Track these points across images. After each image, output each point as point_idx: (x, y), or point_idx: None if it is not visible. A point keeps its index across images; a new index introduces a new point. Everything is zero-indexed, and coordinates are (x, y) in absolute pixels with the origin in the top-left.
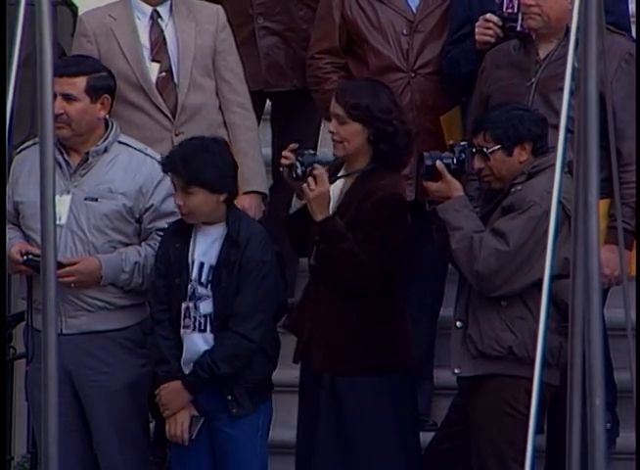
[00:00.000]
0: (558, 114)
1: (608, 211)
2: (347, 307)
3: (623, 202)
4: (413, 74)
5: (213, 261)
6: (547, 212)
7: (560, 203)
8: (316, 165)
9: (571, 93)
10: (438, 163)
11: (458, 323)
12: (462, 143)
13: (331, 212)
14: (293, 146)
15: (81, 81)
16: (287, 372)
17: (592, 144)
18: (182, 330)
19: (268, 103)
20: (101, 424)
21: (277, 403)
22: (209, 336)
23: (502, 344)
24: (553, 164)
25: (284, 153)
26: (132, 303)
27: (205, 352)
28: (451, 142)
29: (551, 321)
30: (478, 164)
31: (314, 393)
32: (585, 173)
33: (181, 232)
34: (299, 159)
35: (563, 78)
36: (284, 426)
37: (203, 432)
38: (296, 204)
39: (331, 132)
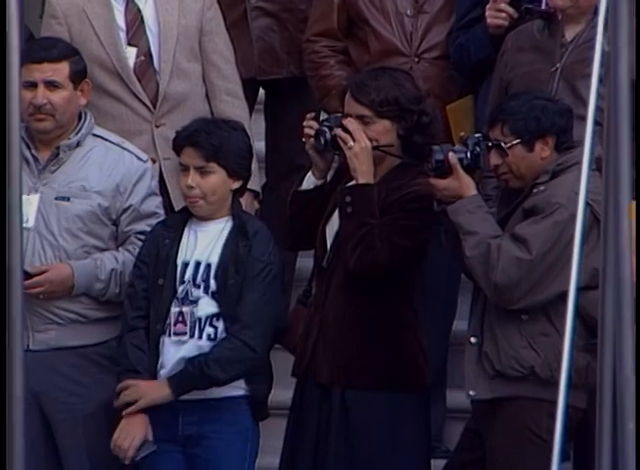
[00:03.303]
0: (585, 103)
1: None
2: (359, 315)
3: None
4: (417, 59)
5: (214, 259)
6: (574, 216)
7: (587, 205)
8: (348, 119)
9: (600, 80)
10: (451, 155)
11: (473, 339)
12: (476, 135)
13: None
14: (311, 115)
15: (65, 67)
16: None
17: (623, 138)
18: (168, 338)
19: (261, 92)
20: (72, 451)
21: (265, 428)
22: (206, 344)
23: (523, 363)
24: (580, 161)
25: (306, 123)
26: (108, 315)
27: (200, 354)
28: (463, 134)
29: (578, 338)
30: (494, 159)
31: (319, 410)
32: (616, 171)
33: (171, 228)
34: (326, 124)
35: (591, 64)
36: (274, 454)
37: (180, 459)
38: (309, 181)
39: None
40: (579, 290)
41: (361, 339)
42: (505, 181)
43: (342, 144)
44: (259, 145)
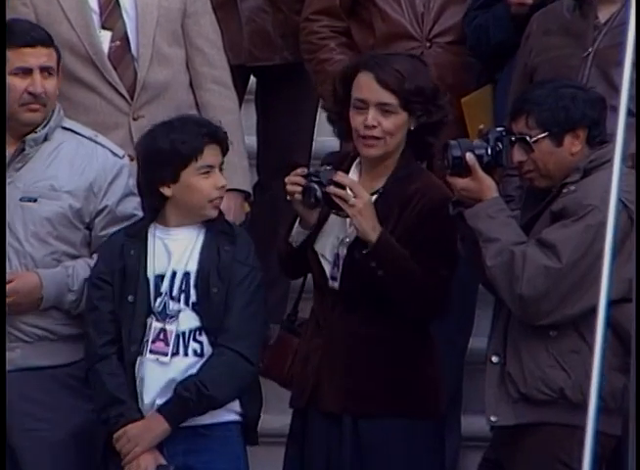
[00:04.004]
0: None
1: None
2: (372, 338)
3: None
4: (428, 44)
5: (192, 268)
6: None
7: (621, 205)
8: (339, 173)
9: (635, 66)
10: (469, 154)
11: (494, 358)
12: (498, 129)
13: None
14: (301, 171)
15: (54, 52)
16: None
17: None
18: (147, 358)
19: (252, 80)
20: None
21: (253, 456)
22: (194, 360)
23: (551, 385)
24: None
25: (291, 178)
26: (80, 331)
27: (190, 375)
28: (482, 127)
29: (612, 356)
30: (518, 156)
31: (328, 440)
32: None
33: (134, 238)
34: (315, 179)
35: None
36: None
37: None
38: (299, 234)
39: (368, 127)
40: (612, 303)
41: (375, 363)
42: (530, 180)
43: (341, 203)
44: (250, 140)
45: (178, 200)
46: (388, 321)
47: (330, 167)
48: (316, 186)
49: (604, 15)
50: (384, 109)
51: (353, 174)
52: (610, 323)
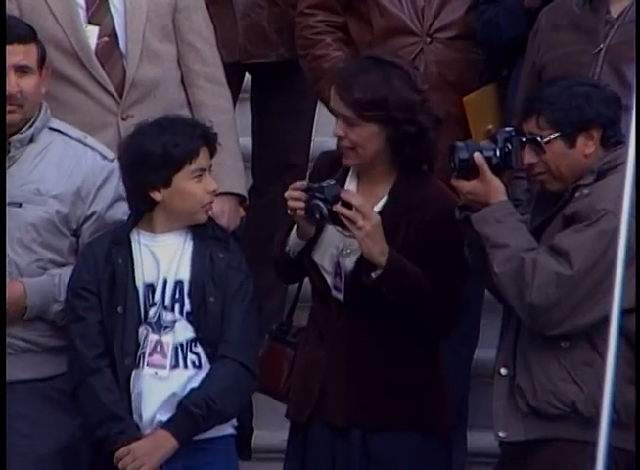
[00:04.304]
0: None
1: None
2: (381, 350)
3: None
4: (429, 39)
5: (185, 276)
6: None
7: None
8: (347, 192)
9: None
10: (477, 155)
11: (503, 370)
12: (507, 129)
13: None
14: (301, 184)
15: (33, 49)
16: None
17: None
18: (144, 372)
19: (247, 78)
20: None
21: None
22: (193, 373)
23: (562, 398)
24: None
25: (291, 193)
26: (66, 343)
27: (192, 389)
28: (491, 128)
29: (626, 367)
30: (529, 157)
31: (334, 455)
32: None
33: (120, 246)
34: (319, 195)
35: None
36: None
37: None
38: (296, 243)
39: (338, 137)
40: (626, 312)
41: (383, 375)
42: (541, 183)
43: (349, 225)
44: (245, 141)
45: (169, 205)
46: (395, 332)
47: (333, 182)
48: (321, 203)
49: (616, 9)
50: (347, 121)
51: (351, 183)
52: (623, 333)
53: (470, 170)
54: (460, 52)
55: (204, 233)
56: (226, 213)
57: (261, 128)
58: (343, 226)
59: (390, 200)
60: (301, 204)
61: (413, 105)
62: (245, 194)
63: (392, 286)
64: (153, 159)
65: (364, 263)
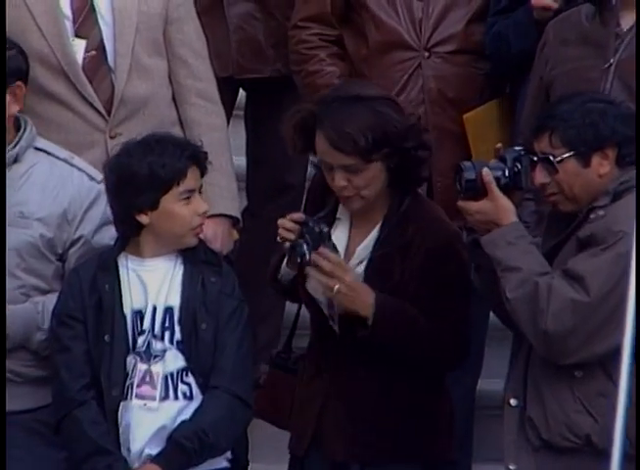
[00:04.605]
0: None
1: None
2: (382, 383)
3: None
4: (427, 54)
5: (175, 302)
6: None
7: None
8: (320, 252)
9: None
10: (486, 171)
11: (513, 401)
12: (517, 148)
13: (362, 277)
14: (298, 217)
15: None
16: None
17: None
18: (132, 404)
19: (241, 94)
20: None
21: None
22: (184, 404)
23: (576, 430)
24: None
25: (285, 223)
26: (50, 373)
27: (184, 421)
28: (499, 146)
29: None
30: (541, 177)
31: None
32: None
33: (107, 271)
34: (307, 236)
35: None
36: None
37: None
38: (285, 270)
39: (338, 188)
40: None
41: (383, 408)
42: (554, 204)
43: (324, 289)
44: (239, 160)
45: (156, 228)
46: (396, 366)
47: (325, 228)
48: (305, 247)
49: (626, 22)
50: (349, 169)
51: (343, 217)
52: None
53: (477, 191)
54: (460, 67)
55: (195, 257)
56: (219, 237)
57: (256, 147)
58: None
59: (381, 241)
60: (292, 236)
61: (413, 129)
62: (239, 216)
63: (386, 336)
64: (139, 180)
65: (352, 318)
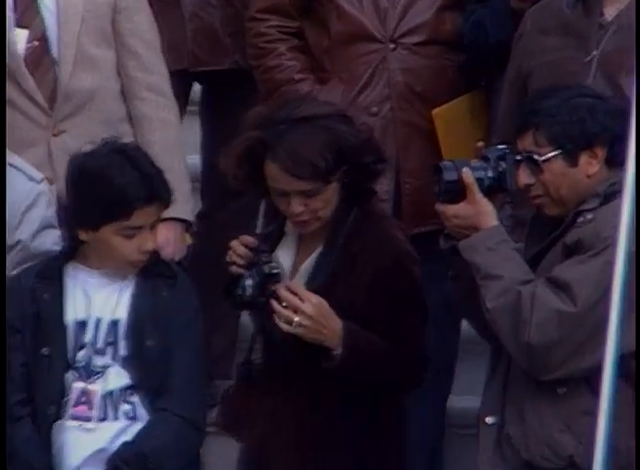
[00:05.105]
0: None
1: None
2: (328, 398)
3: None
4: (393, 45)
5: (122, 315)
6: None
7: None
8: (279, 290)
9: None
10: (466, 171)
11: (489, 419)
12: (500, 146)
13: None
14: (250, 241)
15: None
16: None
17: None
18: (67, 424)
19: (196, 88)
20: None
21: None
22: (125, 424)
23: (558, 451)
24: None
25: (235, 246)
26: None
27: (125, 443)
28: (481, 144)
29: (631, 418)
30: (525, 178)
31: None
32: None
33: (48, 280)
34: (255, 267)
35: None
36: None
37: None
38: (247, 285)
39: (295, 214)
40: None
41: (334, 431)
42: (539, 207)
43: (282, 325)
44: (193, 159)
45: (94, 248)
46: (349, 392)
47: (275, 270)
48: (248, 283)
49: (611, 11)
50: (306, 194)
51: (290, 232)
52: (627, 377)
53: (457, 193)
54: (430, 59)
55: (148, 268)
56: (171, 242)
57: (212, 146)
58: (258, 319)
59: (330, 243)
60: (241, 262)
61: (369, 142)
62: (192, 219)
63: (354, 367)
64: (91, 195)
65: (315, 349)
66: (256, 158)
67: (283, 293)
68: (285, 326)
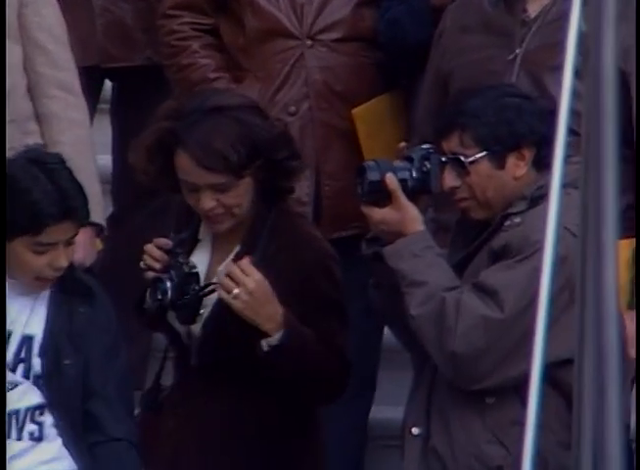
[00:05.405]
0: (556, 104)
1: (633, 258)
2: (237, 420)
3: None
4: (310, 42)
5: (36, 330)
6: (564, 259)
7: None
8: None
9: (576, 74)
10: (389, 177)
11: (415, 430)
12: (424, 146)
13: None
14: (164, 242)
15: None
16: None
17: (607, 153)
18: None
19: (107, 85)
20: None
21: None
22: (28, 445)
23: (487, 462)
24: (566, 185)
25: (150, 249)
26: None
27: None
28: (403, 145)
29: (560, 429)
30: (451, 180)
31: None
32: (598, 199)
33: None
34: (173, 269)
35: (563, 50)
36: None
37: None
38: (167, 288)
39: (206, 209)
40: (562, 363)
41: (245, 454)
42: (465, 211)
43: (221, 293)
44: (104, 160)
45: (9, 257)
46: (259, 401)
47: (195, 269)
48: (168, 286)
49: (534, 8)
50: (218, 188)
51: (204, 238)
52: (558, 388)
53: (382, 194)
54: (348, 56)
55: (64, 282)
56: (81, 247)
57: (124, 145)
58: (185, 321)
59: (246, 245)
60: (157, 266)
61: (283, 137)
62: (103, 223)
63: (287, 357)
64: (12, 202)
65: (252, 331)
66: (167, 150)
67: (229, 266)
68: (224, 294)
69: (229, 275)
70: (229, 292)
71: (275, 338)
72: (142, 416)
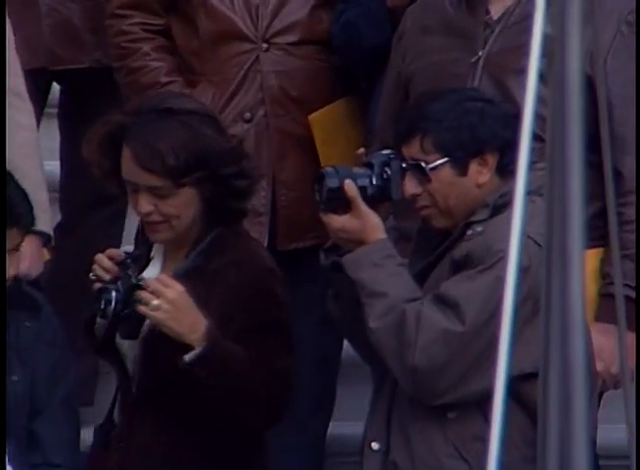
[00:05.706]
0: (519, 108)
1: (600, 269)
2: (178, 450)
3: (624, 253)
4: (265, 45)
5: None
6: (527, 269)
7: (536, 248)
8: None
9: (540, 77)
10: (348, 184)
11: (374, 445)
12: (385, 152)
13: None
14: (116, 253)
15: None
16: None
17: (573, 160)
18: None
19: (55, 89)
20: None
21: None
22: None
23: None
24: (531, 192)
25: (100, 259)
26: None
27: None
28: (362, 151)
29: (523, 445)
30: (411, 187)
31: None
32: (563, 206)
33: None
34: (121, 280)
35: (526, 53)
36: None
37: None
38: (100, 324)
39: (143, 213)
40: (526, 377)
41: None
42: (426, 219)
43: (140, 308)
44: (52, 166)
45: None
46: (200, 430)
47: (138, 281)
48: (113, 296)
49: (497, 10)
50: (156, 192)
51: (156, 254)
52: (520, 403)
53: (340, 202)
54: (305, 60)
55: (9, 296)
56: (27, 257)
57: (72, 152)
58: (127, 335)
59: (187, 261)
60: (107, 277)
61: (234, 153)
62: (50, 232)
63: (210, 370)
64: None
65: (174, 344)
66: (117, 146)
67: (149, 281)
68: (143, 308)
69: (148, 289)
70: (147, 304)
71: (197, 349)
72: (91, 450)
